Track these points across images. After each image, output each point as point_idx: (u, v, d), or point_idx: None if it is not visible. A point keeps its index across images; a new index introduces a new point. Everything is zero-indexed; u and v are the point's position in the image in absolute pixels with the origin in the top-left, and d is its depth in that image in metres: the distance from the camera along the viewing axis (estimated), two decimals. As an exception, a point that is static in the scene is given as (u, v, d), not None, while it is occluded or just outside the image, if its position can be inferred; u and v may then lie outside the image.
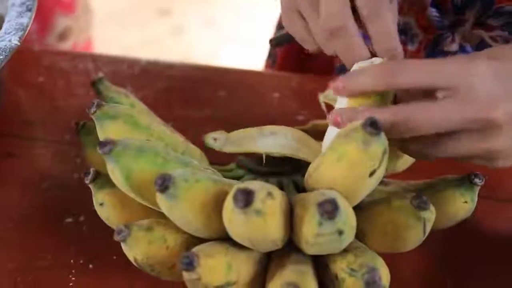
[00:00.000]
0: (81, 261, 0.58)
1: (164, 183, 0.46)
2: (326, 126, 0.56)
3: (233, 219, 0.45)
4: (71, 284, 0.57)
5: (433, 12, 0.69)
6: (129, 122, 0.54)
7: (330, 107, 0.61)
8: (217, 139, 0.59)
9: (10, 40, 0.60)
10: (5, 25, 0.62)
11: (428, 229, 0.50)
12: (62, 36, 0.68)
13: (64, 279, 0.57)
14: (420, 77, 0.47)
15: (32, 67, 0.78)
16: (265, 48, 0.92)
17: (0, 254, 0.60)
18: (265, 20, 1.10)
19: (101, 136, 0.54)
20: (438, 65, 0.47)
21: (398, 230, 0.50)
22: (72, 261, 0.58)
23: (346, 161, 0.46)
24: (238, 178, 0.58)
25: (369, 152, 0.45)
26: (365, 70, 0.49)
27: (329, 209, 0.43)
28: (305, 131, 0.60)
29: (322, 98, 0.64)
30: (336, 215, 0.44)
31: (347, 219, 0.45)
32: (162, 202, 0.47)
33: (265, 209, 0.45)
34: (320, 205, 0.44)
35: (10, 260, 0.59)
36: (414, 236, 0.51)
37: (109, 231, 0.58)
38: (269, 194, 0.45)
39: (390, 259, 0.50)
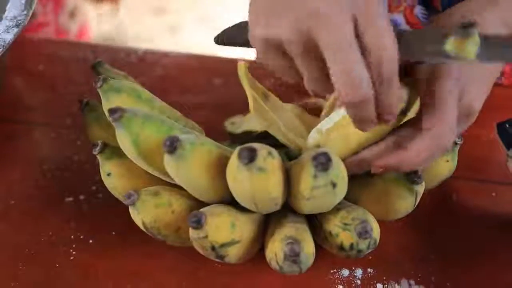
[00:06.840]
0: (82, 237, 0.60)
1: (173, 144, 0.48)
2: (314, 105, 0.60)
3: (238, 177, 0.48)
4: (72, 258, 0.59)
5: (421, 10, 0.72)
6: (133, 95, 0.57)
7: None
8: (234, 123, 0.65)
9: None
10: None
11: (418, 200, 0.53)
12: (71, 15, 0.69)
13: (65, 253, 0.59)
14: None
15: (32, 56, 0.80)
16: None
17: (4, 230, 0.62)
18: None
19: (106, 109, 0.56)
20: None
21: (391, 200, 0.54)
22: (72, 236, 0.60)
23: None
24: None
25: None
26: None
27: (323, 161, 0.47)
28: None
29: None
30: (329, 167, 0.47)
31: (340, 172, 0.49)
32: (170, 163, 0.50)
33: (266, 166, 0.48)
34: (315, 158, 0.47)
35: (14, 235, 0.61)
36: (406, 207, 0.54)
37: (107, 209, 0.62)
38: (270, 153, 0.49)
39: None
